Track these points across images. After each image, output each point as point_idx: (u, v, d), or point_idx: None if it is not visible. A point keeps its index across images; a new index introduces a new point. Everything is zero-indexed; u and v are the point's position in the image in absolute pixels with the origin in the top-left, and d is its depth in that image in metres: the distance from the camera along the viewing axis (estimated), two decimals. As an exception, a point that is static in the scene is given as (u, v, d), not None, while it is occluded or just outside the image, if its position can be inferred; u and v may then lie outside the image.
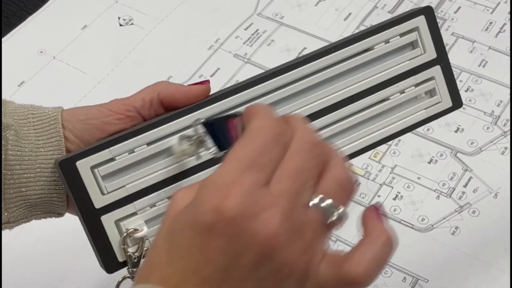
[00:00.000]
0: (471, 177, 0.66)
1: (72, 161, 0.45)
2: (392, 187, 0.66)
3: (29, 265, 0.63)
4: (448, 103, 0.53)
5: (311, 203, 0.35)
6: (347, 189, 0.37)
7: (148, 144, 0.47)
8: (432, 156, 0.68)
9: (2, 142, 0.45)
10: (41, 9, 0.81)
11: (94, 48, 0.78)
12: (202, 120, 0.46)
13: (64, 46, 0.78)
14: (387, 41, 0.51)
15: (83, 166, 0.46)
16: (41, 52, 0.77)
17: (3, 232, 0.47)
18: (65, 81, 0.75)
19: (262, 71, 0.58)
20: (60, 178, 0.46)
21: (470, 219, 0.64)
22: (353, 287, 0.36)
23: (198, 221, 0.34)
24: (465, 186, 0.66)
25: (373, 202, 0.65)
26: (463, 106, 0.71)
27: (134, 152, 0.47)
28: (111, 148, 0.46)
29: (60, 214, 0.49)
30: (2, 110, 0.47)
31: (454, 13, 0.79)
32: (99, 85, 0.74)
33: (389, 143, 0.69)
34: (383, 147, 0.68)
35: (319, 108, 0.50)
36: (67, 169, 0.45)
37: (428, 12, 0.51)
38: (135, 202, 0.47)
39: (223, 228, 0.34)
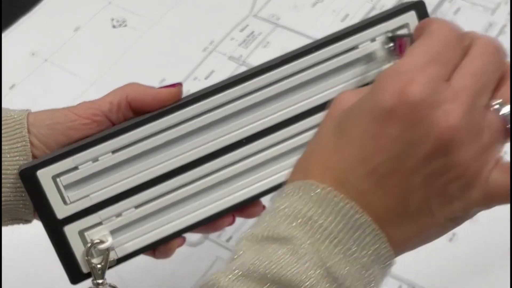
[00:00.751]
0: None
1: (33, 170, 0.44)
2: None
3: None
4: None
5: (494, 107, 0.35)
6: None
7: (113, 152, 0.45)
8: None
9: None
10: (33, 11, 0.80)
11: (86, 50, 0.77)
12: (389, 34, 0.46)
13: (56, 48, 0.77)
14: (373, 39, 0.47)
15: (44, 175, 0.44)
16: (33, 54, 0.76)
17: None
18: (57, 84, 0.74)
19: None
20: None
21: (468, 225, 0.61)
22: None
23: (378, 106, 0.34)
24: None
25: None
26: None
27: (98, 160, 0.45)
28: (73, 157, 0.45)
29: (27, 221, 0.47)
30: None
31: (454, 14, 0.78)
32: (92, 88, 0.73)
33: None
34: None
35: (302, 110, 0.47)
36: (28, 178, 0.44)
37: (419, 7, 0.47)
38: (99, 212, 0.46)
39: (404, 113, 0.33)
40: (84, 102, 0.47)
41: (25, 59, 0.76)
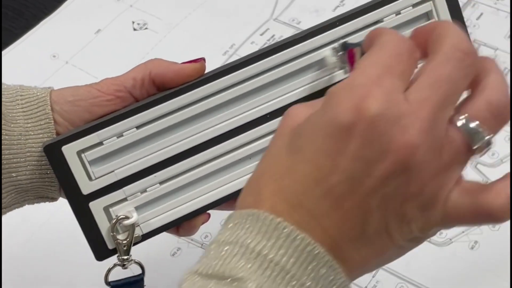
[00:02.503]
0: (491, 190, 0.64)
1: (57, 146, 0.44)
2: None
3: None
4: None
5: (457, 123, 0.32)
6: (500, 117, 0.32)
7: (138, 127, 0.45)
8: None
9: None
10: (54, 13, 0.80)
11: (107, 53, 0.77)
12: (342, 41, 0.44)
13: (77, 51, 0.77)
14: (398, 12, 0.46)
15: (69, 151, 0.44)
16: (54, 56, 0.76)
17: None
18: (77, 86, 0.74)
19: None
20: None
21: (490, 234, 0.62)
22: (488, 220, 0.33)
23: (333, 122, 0.31)
24: (485, 199, 0.64)
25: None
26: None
27: (122, 136, 0.45)
28: (98, 132, 0.44)
29: (53, 199, 0.47)
30: None
31: (476, 19, 0.77)
32: (112, 91, 0.73)
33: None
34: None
35: (324, 86, 0.46)
36: (53, 154, 0.44)
37: None
38: (124, 188, 0.45)
39: (362, 129, 0.31)
40: (107, 79, 0.46)
41: (46, 61, 0.76)
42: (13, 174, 0.45)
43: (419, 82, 0.32)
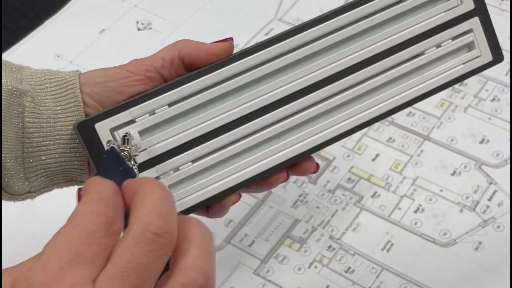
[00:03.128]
0: (496, 190, 0.64)
1: (91, 123, 0.44)
2: (413, 200, 0.64)
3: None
4: (488, 57, 0.51)
5: None
6: None
7: (170, 105, 0.45)
8: (456, 168, 0.66)
9: (19, 109, 0.44)
10: (59, 13, 0.80)
11: (111, 53, 0.77)
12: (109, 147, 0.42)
13: (81, 51, 0.77)
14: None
15: (102, 128, 0.44)
16: (58, 56, 0.76)
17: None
18: (81, 86, 0.74)
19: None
20: (79, 143, 0.45)
21: (495, 234, 0.61)
22: None
23: None
24: (489, 199, 0.63)
25: (393, 214, 0.63)
26: (489, 116, 0.68)
27: (155, 113, 0.45)
28: (130, 110, 0.45)
29: (82, 182, 0.47)
30: (19, 76, 0.45)
31: (481, 20, 0.77)
32: (116, 90, 0.73)
33: (411, 153, 0.66)
34: (404, 158, 0.66)
35: (351, 63, 0.48)
36: (85, 132, 0.44)
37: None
38: (157, 166, 0.46)
39: None
40: (136, 60, 0.47)
41: (50, 61, 0.76)
42: (43, 157, 0.45)
43: (107, 272, 0.29)
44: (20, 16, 0.82)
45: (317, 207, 0.64)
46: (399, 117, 0.69)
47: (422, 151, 0.67)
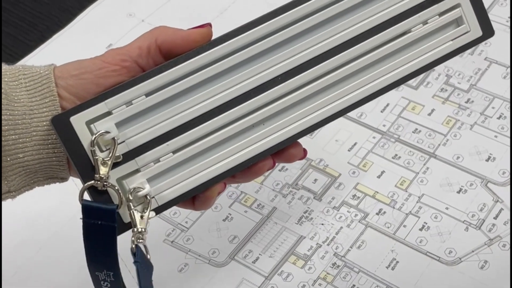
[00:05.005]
0: (502, 209, 0.64)
1: (66, 117, 0.43)
2: (419, 217, 0.63)
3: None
4: (477, 32, 0.49)
5: None
6: None
7: (147, 94, 0.44)
8: (462, 186, 0.65)
9: None
10: (67, 27, 0.81)
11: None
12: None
13: (88, 65, 0.77)
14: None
15: (77, 121, 0.43)
16: (65, 70, 0.77)
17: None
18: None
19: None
20: (57, 138, 0.44)
21: (500, 253, 0.61)
22: None
23: None
24: (495, 218, 0.63)
25: (398, 232, 0.63)
26: (495, 134, 0.68)
27: (132, 104, 0.44)
28: (106, 101, 0.44)
29: (63, 179, 0.47)
30: None
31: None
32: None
33: (417, 170, 0.66)
34: (410, 175, 0.66)
35: (334, 45, 0.47)
36: (61, 126, 0.43)
37: None
38: (137, 158, 0.45)
39: None
40: (112, 49, 0.46)
41: (58, 75, 0.76)
42: (20, 155, 0.44)
43: None
44: (30, 28, 0.83)
45: (322, 224, 0.63)
46: (405, 133, 0.69)
47: (427, 168, 0.67)
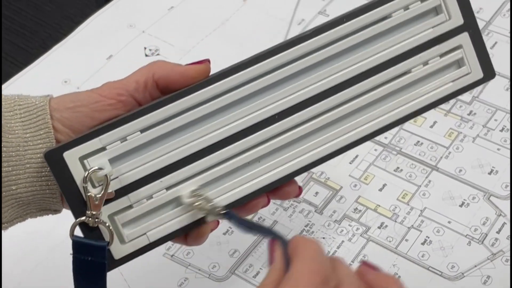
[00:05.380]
0: (504, 223, 0.63)
1: (59, 152, 0.43)
2: (421, 231, 0.63)
3: None
4: (478, 74, 0.49)
5: None
6: None
7: (142, 131, 0.44)
8: (464, 199, 0.65)
9: None
10: (66, 38, 0.80)
11: (118, 78, 0.76)
12: (225, 212, 0.44)
13: (89, 76, 0.77)
14: (406, 8, 0.47)
15: (71, 157, 0.43)
16: (65, 82, 0.76)
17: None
18: (88, 111, 0.74)
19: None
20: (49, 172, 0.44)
21: (503, 268, 0.60)
22: None
23: None
24: (498, 232, 0.63)
25: (400, 246, 0.62)
26: (498, 147, 0.68)
27: (126, 140, 0.44)
28: (100, 137, 0.43)
29: (56, 211, 0.46)
30: None
31: (490, 48, 0.76)
32: (122, 117, 0.73)
33: (419, 183, 0.66)
34: (412, 188, 0.66)
35: (333, 84, 0.46)
36: (54, 161, 0.43)
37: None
38: (129, 195, 0.44)
39: None
40: (109, 82, 0.45)
41: (58, 86, 0.76)
42: (13, 187, 0.44)
43: None
44: (32, 35, 0.83)
45: (323, 238, 0.63)
46: (406, 146, 0.68)
47: (430, 181, 0.66)
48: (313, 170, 0.67)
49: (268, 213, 0.65)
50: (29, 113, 0.44)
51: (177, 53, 0.78)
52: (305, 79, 0.46)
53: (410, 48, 0.47)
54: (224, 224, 0.64)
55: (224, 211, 0.44)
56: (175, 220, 0.46)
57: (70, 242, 0.63)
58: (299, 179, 0.66)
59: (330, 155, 0.47)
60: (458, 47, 0.48)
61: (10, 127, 0.44)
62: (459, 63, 0.49)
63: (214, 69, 0.76)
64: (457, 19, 0.48)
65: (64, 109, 0.44)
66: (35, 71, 0.78)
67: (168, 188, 0.45)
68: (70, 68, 0.77)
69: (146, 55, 0.79)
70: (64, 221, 0.65)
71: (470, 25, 0.48)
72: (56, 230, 0.64)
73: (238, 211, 0.47)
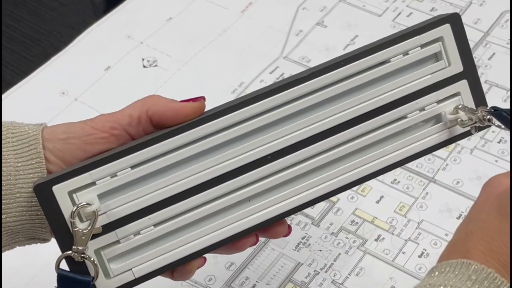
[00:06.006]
0: (502, 235, 0.63)
1: (48, 185, 0.43)
2: (418, 244, 0.63)
3: None
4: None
5: None
6: None
7: (132, 167, 0.44)
8: (461, 212, 0.65)
9: None
10: (64, 50, 0.80)
11: (116, 90, 0.77)
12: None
13: (86, 88, 0.77)
14: (405, 53, 0.46)
15: (60, 191, 0.43)
16: (63, 93, 0.76)
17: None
18: (85, 123, 0.74)
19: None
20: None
21: (501, 281, 0.60)
22: None
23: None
24: (495, 245, 0.62)
25: (397, 259, 0.62)
26: (495, 158, 0.68)
27: (116, 176, 0.44)
28: (91, 172, 0.43)
29: (45, 240, 0.46)
30: None
31: (488, 59, 0.76)
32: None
33: (416, 196, 0.66)
34: (409, 200, 0.65)
35: (329, 126, 0.46)
36: (43, 194, 0.43)
37: (454, 20, 0.47)
38: (117, 230, 0.44)
39: None
40: (102, 115, 0.45)
41: (56, 98, 0.76)
42: (3, 216, 0.44)
43: None
44: (33, 44, 0.83)
45: (320, 250, 0.63)
46: (404, 158, 0.68)
47: (427, 193, 0.66)
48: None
49: (265, 226, 0.64)
50: (21, 142, 0.44)
51: (175, 64, 0.78)
52: (300, 121, 0.46)
53: (407, 94, 0.47)
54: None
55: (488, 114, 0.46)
56: (162, 257, 0.46)
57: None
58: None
59: (322, 197, 0.47)
60: (456, 94, 0.48)
61: (2, 155, 0.44)
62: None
63: (214, 81, 0.76)
64: (457, 66, 0.47)
65: (57, 140, 0.44)
66: (34, 82, 0.78)
67: (156, 225, 0.45)
68: (68, 79, 0.77)
69: (144, 66, 0.79)
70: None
71: (469, 72, 0.48)
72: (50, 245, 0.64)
73: (226, 249, 0.47)
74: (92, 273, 0.44)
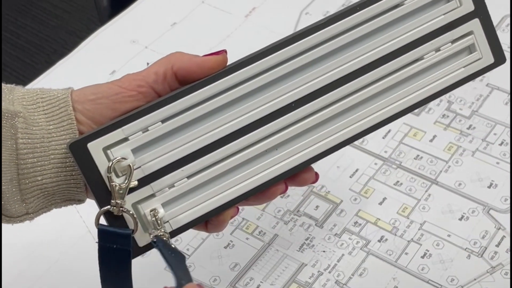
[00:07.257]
0: (504, 236, 0.63)
1: (83, 143, 0.44)
2: (421, 245, 0.63)
3: None
4: (489, 59, 0.50)
5: None
6: None
7: (163, 121, 0.45)
8: (464, 213, 0.65)
9: (12, 131, 0.44)
10: (70, 54, 0.81)
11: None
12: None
13: (92, 91, 0.77)
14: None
15: (95, 147, 0.44)
16: (69, 97, 0.77)
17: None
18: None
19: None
20: (74, 162, 0.45)
21: (503, 281, 0.61)
22: None
23: None
24: (497, 245, 0.63)
25: (400, 259, 0.62)
26: (497, 160, 0.68)
27: (148, 130, 0.45)
28: (123, 128, 0.44)
29: (80, 201, 0.47)
30: (11, 97, 0.45)
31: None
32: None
33: (419, 197, 0.66)
34: (412, 202, 0.66)
35: (347, 72, 0.48)
36: (78, 152, 0.44)
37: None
38: (152, 184, 0.46)
39: None
40: (128, 74, 0.46)
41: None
42: (39, 178, 0.45)
43: None
44: (37, 51, 0.83)
45: (324, 251, 0.63)
46: (406, 160, 0.69)
47: (429, 195, 0.66)
48: (314, 184, 0.67)
49: (269, 227, 0.65)
50: (51, 106, 0.45)
51: (179, 69, 0.79)
52: (321, 68, 0.47)
53: (422, 35, 0.48)
54: (226, 237, 0.64)
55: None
56: (196, 208, 0.47)
57: (70, 256, 0.64)
58: (299, 191, 0.67)
59: (345, 141, 0.49)
60: (470, 33, 0.50)
61: (34, 119, 0.45)
62: (470, 49, 0.50)
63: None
64: (468, 6, 0.49)
65: (86, 101, 0.45)
66: (42, 85, 0.78)
67: (189, 177, 0.46)
68: (73, 84, 0.77)
69: (149, 71, 0.79)
70: (63, 239, 0.65)
71: (480, 11, 0.49)
72: (54, 246, 0.64)
73: (257, 198, 0.49)
74: (131, 226, 0.45)
